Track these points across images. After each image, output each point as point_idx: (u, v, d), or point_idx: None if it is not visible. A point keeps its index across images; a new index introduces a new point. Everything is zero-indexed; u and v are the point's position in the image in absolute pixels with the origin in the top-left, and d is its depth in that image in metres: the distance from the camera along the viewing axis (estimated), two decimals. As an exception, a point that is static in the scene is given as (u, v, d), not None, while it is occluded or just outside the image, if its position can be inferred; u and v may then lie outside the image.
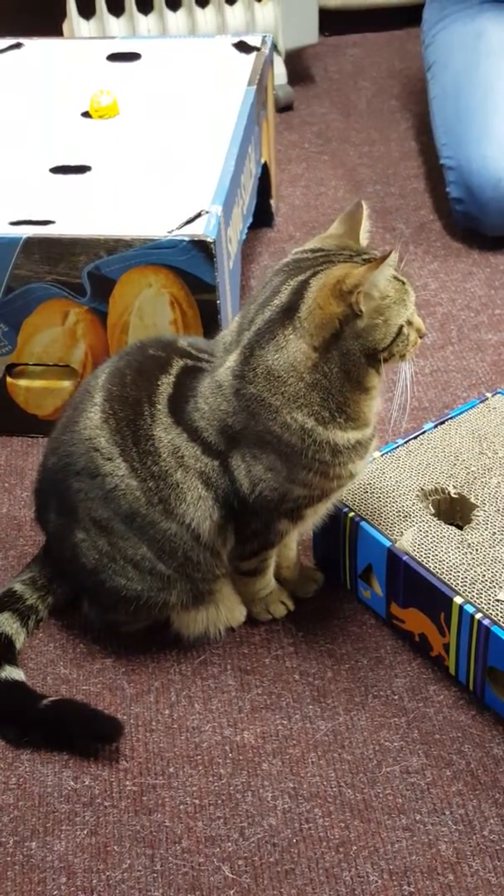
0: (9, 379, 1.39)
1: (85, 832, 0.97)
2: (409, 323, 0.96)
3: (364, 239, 1.00)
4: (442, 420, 1.24)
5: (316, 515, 1.07)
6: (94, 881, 0.94)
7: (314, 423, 0.96)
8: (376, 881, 0.92)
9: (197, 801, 0.99)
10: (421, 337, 0.98)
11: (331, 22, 2.42)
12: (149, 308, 1.32)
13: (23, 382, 1.40)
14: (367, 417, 0.99)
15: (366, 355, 0.94)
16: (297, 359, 0.94)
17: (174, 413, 1.01)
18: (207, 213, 1.30)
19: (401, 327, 0.94)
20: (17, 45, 1.76)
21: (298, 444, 0.97)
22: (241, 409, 0.98)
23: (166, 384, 1.03)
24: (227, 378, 0.99)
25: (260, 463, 0.99)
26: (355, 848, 0.95)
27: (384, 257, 0.91)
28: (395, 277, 0.94)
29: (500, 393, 1.28)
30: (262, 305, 0.97)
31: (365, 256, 0.96)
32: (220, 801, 0.99)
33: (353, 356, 0.94)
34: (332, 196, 1.93)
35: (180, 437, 1.00)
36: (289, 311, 0.95)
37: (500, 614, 1.01)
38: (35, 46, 1.76)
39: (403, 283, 0.95)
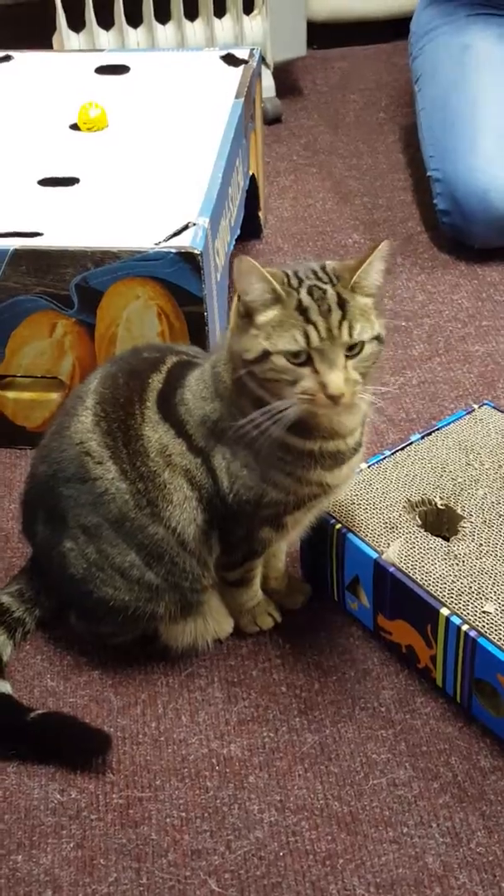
0: (-4, 390, 1.39)
1: (71, 845, 0.97)
2: (308, 367, 0.89)
3: (371, 276, 0.93)
4: (429, 431, 1.24)
5: (298, 525, 1.07)
6: (81, 895, 0.93)
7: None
8: (363, 894, 0.92)
9: (183, 814, 0.99)
10: (334, 401, 0.89)
11: (319, 35, 2.43)
12: (136, 320, 1.32)
13: (11, 394, 1.40)
14: (325, 428, 0.96)
15: (240, 357, 0.93)
16: (228, 343, 0.97)
17: (162, 408, 1.02)
18: (194, 225, 1.31)
19: (267, 352, 0.90)
20: (7, 58, 1.77)
21: (260, 438, 0.96)
22: (215, 394, 0.99)
23: (157, 381, 1.03)
24: (211, 363, 1.01)
25: (237, 459, 0.99)
26: (342, 861, 0.95)
27: (243, 261, 0.89)
28: (300, 309, 0.89)
29: (486, 404, 1.28)
30: None
31: (338, 289, 0.91)
32: (206, 814, 0.99)
33: (234, 355, 0.95)
34: (321, 208, 1.94)
35: (167, 434, 1.01)
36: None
37: (486, 626, 1.01)
38: (24, 59, 1.77)
39: (311, 322, 0.89)
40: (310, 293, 0.90)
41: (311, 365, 0.90)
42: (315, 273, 0.93)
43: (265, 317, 0.91)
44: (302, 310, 0.90)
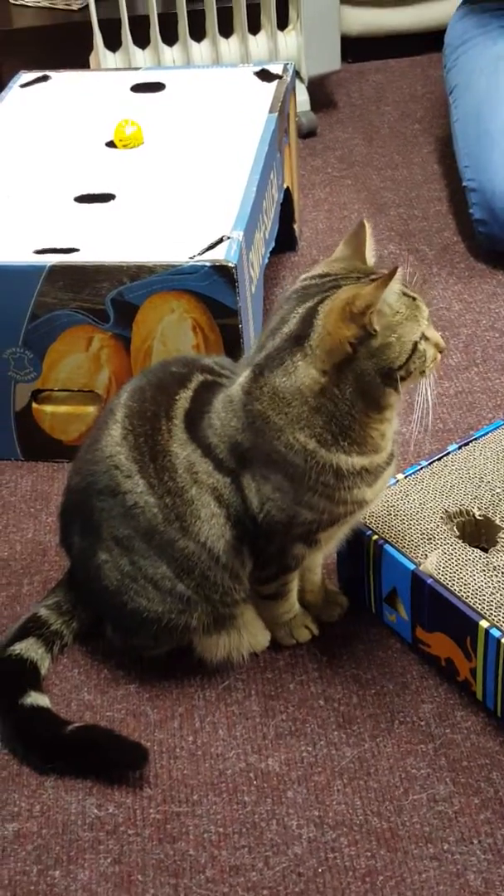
0: (34, 405, 1.40)
1: (108, 861, 0.97)
2: (426, 338, 0.95)
3: (371, 258, 0.99)
4: (466, 441, 1.23)
5: (332, 540, 1.06)
6: (118, 910, 0.93)
7: (316, 444, 0.96)
8: (404, 912, 0.91)
9: (221, 830, 0.98)
10: (440, 352, 0.97)
11: (353, 49, 2.43)
12: (171, 333, 1.32)
13: (48, 408, 1.41)
14: (376, 443, 0.98)
15: (381, 375, 0.94)
16: (304, 383, 0.95)
17: (189, 429, 1.02)
18: (229, 238, 1.31)
19: (415, 343, 0.94)
20: (45, 78, 1.79)
21: (302, 465, 0.96)
22: (248, 425, 0.98)
23: (184, 398, 1.04)
24: (237, 393, 1.00)
25: (269, 483, 0.99)
26: (382, 878, 0.93)
27: (390, 274, 0.90)
28: (405, 294, 0.94)
29: (525, 414, 1.27)
30: (273, 332, 0.98)
31: (374, 277, 0.95)
32: (244, 830, 0.98)
33: (367, 377, 0.94)
34: (356, 220, 1.92)
35: (195, 454, 1.01)
36: (298, 339, 0.95)
37: (527, 638, 0.99)
38: (61, 79, 1.79)
39: (414, 298, 0.95)
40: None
41: (423, 337, 0.95)
42: (351, 270, 0.98)
43: (400, 316, 0.93)
44: (406, 294, 0.95)
